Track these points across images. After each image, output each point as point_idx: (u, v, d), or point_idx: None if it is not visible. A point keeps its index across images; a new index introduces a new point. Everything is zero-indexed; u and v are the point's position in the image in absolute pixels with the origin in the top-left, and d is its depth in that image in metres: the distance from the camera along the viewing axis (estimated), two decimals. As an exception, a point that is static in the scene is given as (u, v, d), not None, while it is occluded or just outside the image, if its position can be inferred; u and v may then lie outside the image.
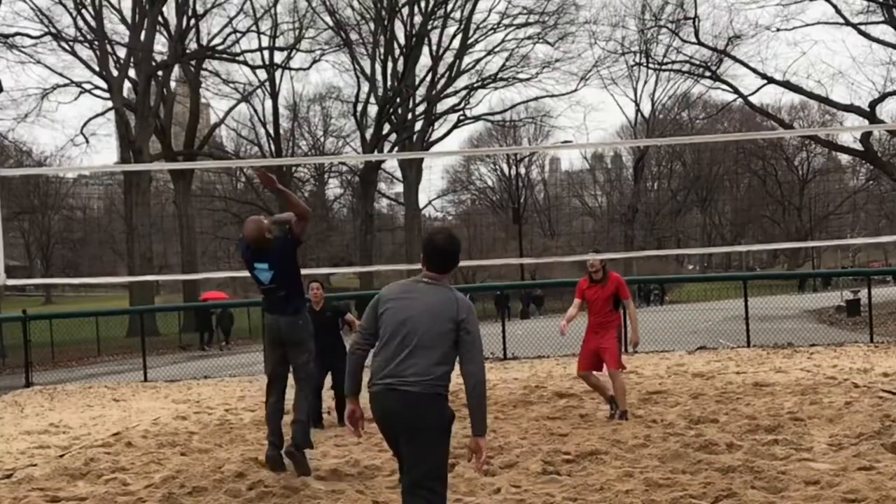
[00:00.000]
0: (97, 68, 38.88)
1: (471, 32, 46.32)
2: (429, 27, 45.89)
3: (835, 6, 31.04)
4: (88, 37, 39.04)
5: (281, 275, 7.02)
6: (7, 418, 11.77)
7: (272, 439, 6.96)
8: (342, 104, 53.70)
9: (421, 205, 53.95)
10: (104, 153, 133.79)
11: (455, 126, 49.91)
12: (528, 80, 48.27)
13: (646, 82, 66.10)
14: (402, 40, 45.97)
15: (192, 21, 41.50)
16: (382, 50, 45.67)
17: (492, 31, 46.88)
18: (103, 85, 39.31)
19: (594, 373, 8.95)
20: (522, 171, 69.93)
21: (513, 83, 48.95)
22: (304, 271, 7.11)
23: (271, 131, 47.25)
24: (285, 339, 7.08)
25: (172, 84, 45.16)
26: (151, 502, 6.41)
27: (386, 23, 45.27)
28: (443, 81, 46.95)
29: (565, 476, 6.48)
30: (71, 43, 39.07)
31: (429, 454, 4.19)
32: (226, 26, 42.38)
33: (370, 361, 4.40)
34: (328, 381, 9.51)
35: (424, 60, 46.71)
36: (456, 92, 48.19)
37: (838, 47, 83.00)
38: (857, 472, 6.03)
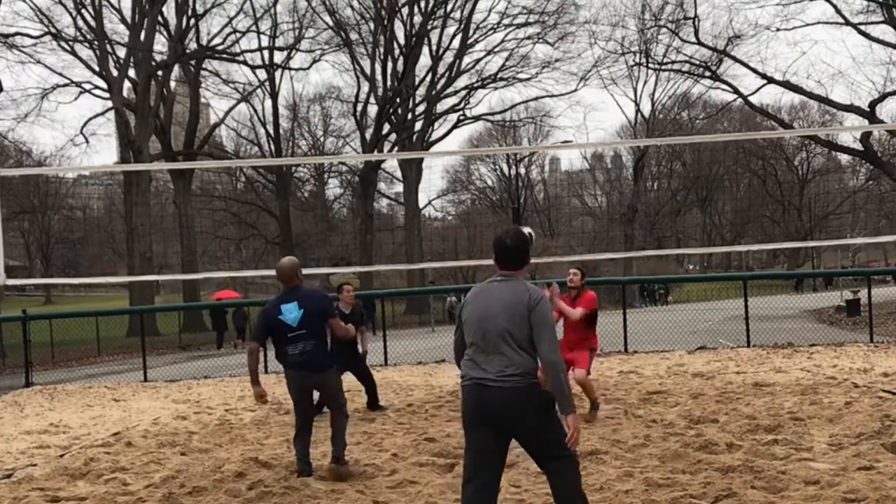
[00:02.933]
0: (97, 68, 38.87)
1: (471, 32, 46.32)
2: (429, 27, 45.86)
3: (835, 6, 31.06)
4: (88, 37, 39.03)
5: (311, 319, 6.60)
6: (7, 418, 11.78)
7: (302, 466, 6.88)
8: (342, 104, 53.74)
9: (421, 205, 53.91)
10: (104, 153, 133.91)
11: (455, 126, 49.88)
12: (528, 80, 48.27)
13: (646, 82, 66.34)
14: (402, 40, 45.96)
15: (192, 21, 41.50)
16: (382, 50, 45.65)
17: (492, 31, 46.88)
18: (103, 85, 39.30)
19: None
20: (522, 171, 69.95)
21: (513, 83, 48.94)
22: (304, 271, 7.01)
23: (271, 131, 47.27)
24: (317, 388, 6.92)
25: (172, 84, 45.16)
26: (151, 502, 6.41)
27: (386, 23, 45.25)
28: (443, 81, 46.93)
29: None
30: (71, 43, 39.07)
31: (545, 435, 4.42)
32: (226, 26, 42.42)
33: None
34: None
35: (424, 60, 46.74)
36: (456, 92, 48.19)
37: (838, 47, 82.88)
38: (857, 472, 6.03)
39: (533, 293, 4.46)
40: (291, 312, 6.58)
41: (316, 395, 7.19)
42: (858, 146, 36.73)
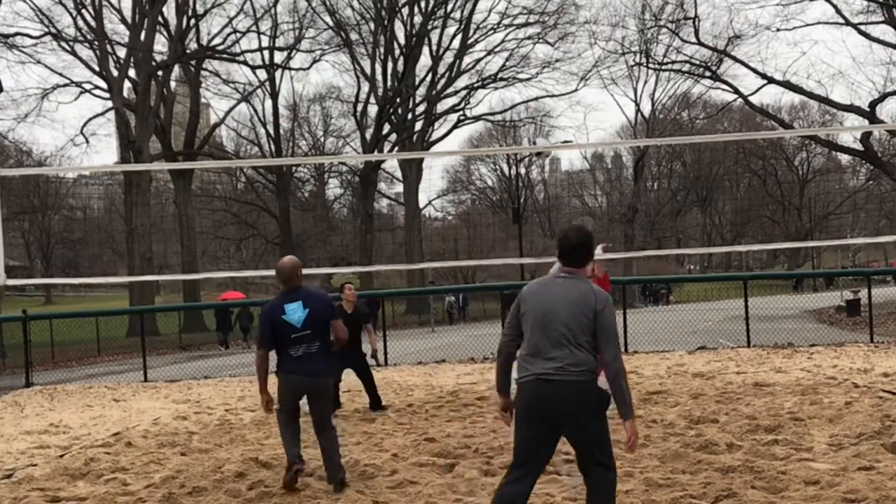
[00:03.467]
0: (97, 68, 38.87)
1: (471, 32, 46.31)
2: (429, 27, 45.86)
3: (835, 6, 31.06)
4: (88, 37, 39.02)
5: (316, 320, 6.38)
6: (7, 418, 11.77)
7: (294, 461, 6.45)
8: (342, 104, 53.74)
9: (421, 205, 53.91)
10: (104, 153, 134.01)
11: (455, 126, 49.86)
12: (528, 80, 48.26)
13: (646, 82, 66.33)
14: (402, 40, 45.96)
15: (192, 21, 41.50)
16: (382, 50, 45.65)
17: (492, 31, 46.87)
18: (103, 85, 39.30)
19: None
20: (522, 171, 69.96)
21: (513, 83, 48.92)
22: (304, 271, 6.94)
23: (271, 131, 47.28)
24: (311, 393, 6.52)
25: (172, 84, 45.15)
26: (151, 502, 6.41)
27: (386, 23, 45.25)
28: (443, 81, 46.92)
29: (565, 476, 6.48)
30: (71, 43, 39.06)
31: (592, 434, 4.46)
32: (226, 26, 42.42)
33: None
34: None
35: (424, 60, 46.73)
36: (456, 92, 48.18)
37: (838, 47, 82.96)
38: (857, 472, 6.03)
39: (599, 295, 4.48)
40: (296, 312, 6.34)
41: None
42: (858, 146, 36.73)
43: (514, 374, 4.63)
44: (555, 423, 4.43)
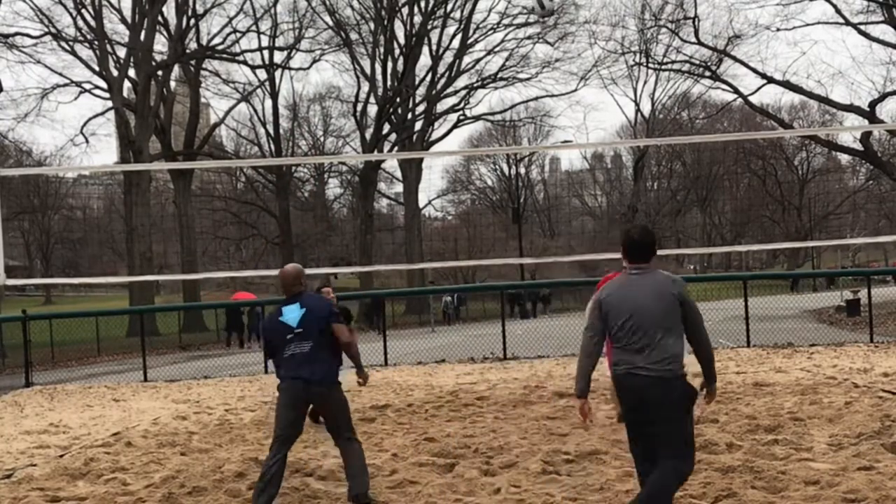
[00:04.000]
0: (97, 68, 38.87)
1: (471, 32, 46.30)
2: (429, 27, 45.85)
3: (835, 6, 31.05)
4: (88, 37, 39.01)
5: (313, 319, 6.05)
6: (7, 418, 11.77)
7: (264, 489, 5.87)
8: (342, 104, 53.75)
9: (421, 205, 53.91)
10: (104, 153, 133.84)
11: (455, 126, 49.86)
12: (528, 79, 48.26)
13: (646, 82, 66.34)
14: (402, 40, 45.95)
15: (192, 21, 41.49)
16: (382, 50, 45.64)
17: (492, 30, 46.86)
18: (103, 85, 39.30)
19: None
20: (522, 171, 69.97)
21: (513, 83, 48.92)
22: (304, 271, 6.86)
23: (271, 131, 47.29)
24: (314, 403, 6.22)
25: (172, 84, 45.15)
26: (151, 502, 6.41)
27: (386, 23, 45.24)
28: (443, 81, 46.92)
29: (565, 476, 6.48)
30: (71, 43, 39.06)
31: (678, 426, 4.71)
32: (226, 26, 42.40)
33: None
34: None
35: (424, 60, 46.72)
36: (456, 92, 48.18)
37: (838, 47, 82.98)
38: (857, 472, 6.03)
39: (676, 281, 4.86)
40: (292, 312, 6.09)
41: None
42: (858, 146, 36.72)
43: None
44: (643, 413, 4.73)
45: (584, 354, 4.92)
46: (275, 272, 6.71)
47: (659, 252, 7.34)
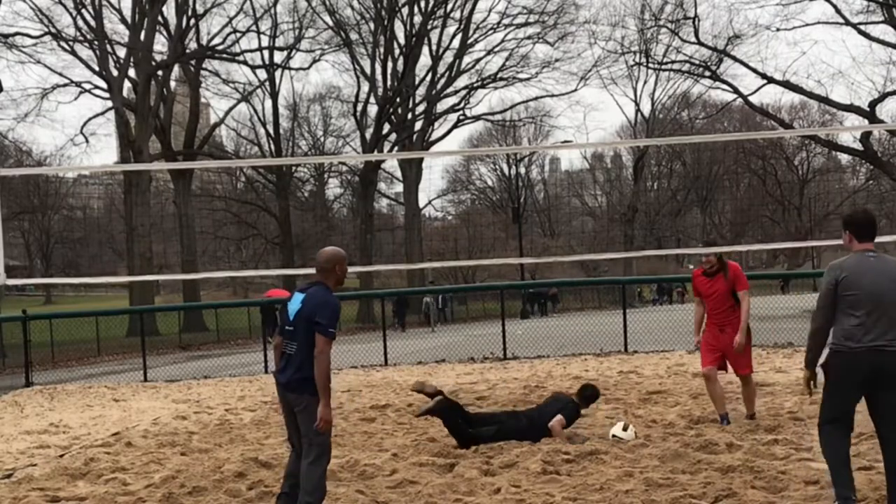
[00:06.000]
0: (97, 68, 38.87)
1: (471, 32, 46.29)
2: (429, 27, 45.84)
3: (835, 6, 31.07)
4: (88, 37, 39.02)
5: (303, 319, 5.32)
6: (7, 418, 11.77)
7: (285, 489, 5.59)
8: (342, 104, 53.72)
9: (421, 204, 53.90)
10: (104, 153, 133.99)
11: (455, 126, 49.86)
12: (527, 79, 48.25)
13: (646, 82, 66.23)
14: (402, 40, 45.94)
15: (192, 21, 41.49)
16: (382, 50, 45.64)
17: (492, 30, 46.86)
18: (103, 85, 39.30)
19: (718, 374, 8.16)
20: (522, 170, 69.98)
21: (513, 83, 48.92)
22: (304, 271, 6.73)
23: (271, 131, 47.28)
24: (293, 408, 5.47)
25: (172, 84, 45.15)
26: (151, 502, 6.41)
27: (386, 23, 45.24)
28: (443, 81, 46.90)
29: (565, 476, 6.48)
30: (71, 43, 39.06)
31: None
32: (226, 26, 42.42)
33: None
34: None
35: (424, 60, 46.71)
36: (456, 92, 48.17)
37: (838, 47, 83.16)
38: (857, 472, 6.02)
39: None
40: (295, 303, 5.43)
41: None
42: (858, 146, 36.70)
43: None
44: (878, 385, 5.02)
45: (819, 334, 5.16)
46: (275, 272, 6.59)
47: (659, 252, 7.29)
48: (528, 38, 47.04)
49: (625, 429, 7.66)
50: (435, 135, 48.97)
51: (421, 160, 47.84)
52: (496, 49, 47.36)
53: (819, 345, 5.19)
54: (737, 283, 7.97)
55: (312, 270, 5.61)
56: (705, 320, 8.23)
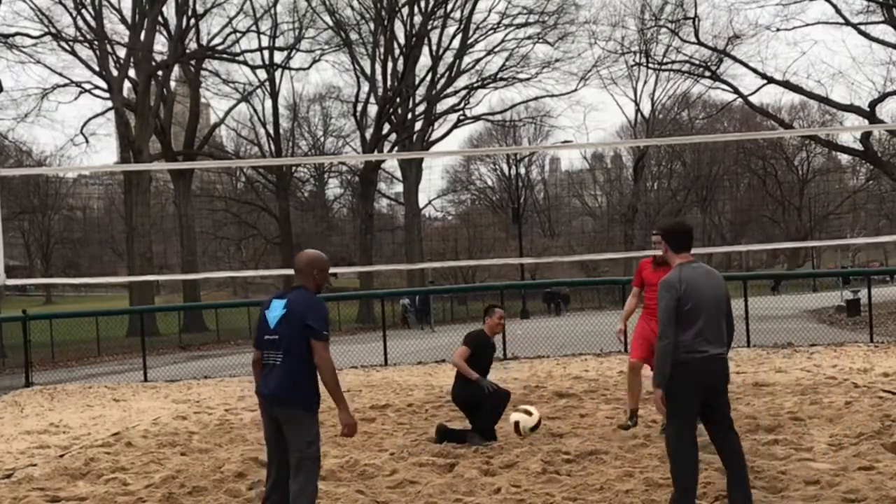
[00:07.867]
0: (97, 68, 38.88)
1: (471, 32, 46.33)
2: (429, 27, 45.86)
3: (835, 6, 31.03)
4: (88, 37, 39.02)
5: (290, 325, 4.95)
6: (7, 418, 11.77)
7: None
8: (342, 104, 53.77)
9: (421, 205, 53.97)
10: (104, 153, 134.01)
11: (455, 126, 49.92)
12: (528, 80, 48.31)
13: (646, 82, 66.19)
14: (402, 40, 45.96)
15: (192, 21, 41.50)
16: (382, 50, 45.66)
17: (492, 31, 46.89)
18: (103, 85, 39.31)
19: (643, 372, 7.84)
20: (522, 171, 69.98)
21: (513, 83, 48.98)
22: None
23: (271, 131, 47.29)
24: (281, 422, 5.04)
25: (172, 84, 45.15)
26: (151, 502, 6.41)
27: (386, 23, 45.25)
28: (443, 81, 46.93)
29: (565, 476, 6.48)
30: (71, 43, 39.06)
31: (727, 398, 5.41)
32: (226, 26, 42.44)
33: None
34: None
35: (424, 60, 46.74)
36: (456, 92, 48.21)
37: (838, 47, 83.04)
38: (857, 472, 6.03)
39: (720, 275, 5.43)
40: (275, 310, 5.05)
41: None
42: (858, 146, 36.68)
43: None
44: (715, 390, 5.24)
45: (670, 348, 5.21)
46: (275, 272, 6.52)
47: (659, 252, 7.26)
48: (528, 38, 47.12)
49: (528, 414, 7.90)
50: (435, 135, 49.05)
51: (421, 160, 47.87)
52: (496, 49, 47.44)
53: (669, 362, 5.15)
54: None
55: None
56: (639, 313, 8.06)
